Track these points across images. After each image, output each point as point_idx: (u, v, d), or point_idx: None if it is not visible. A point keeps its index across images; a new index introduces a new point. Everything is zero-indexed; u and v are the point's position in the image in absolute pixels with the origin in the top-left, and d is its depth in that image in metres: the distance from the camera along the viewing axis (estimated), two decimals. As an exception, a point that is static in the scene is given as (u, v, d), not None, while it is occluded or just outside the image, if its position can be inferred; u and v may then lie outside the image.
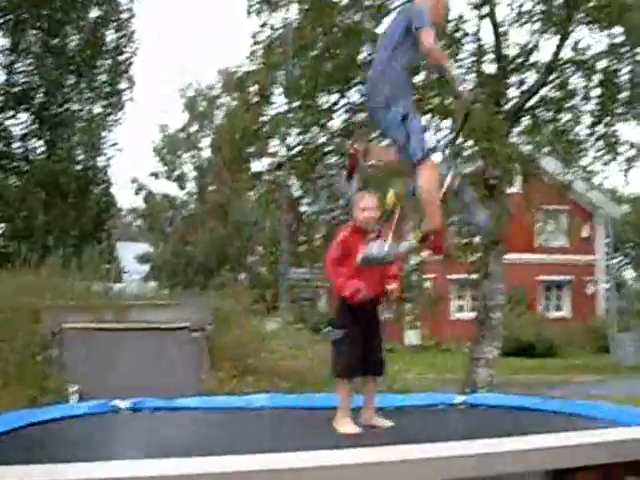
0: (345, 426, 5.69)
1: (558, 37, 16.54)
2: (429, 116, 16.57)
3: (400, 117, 5.56)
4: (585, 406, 7.36)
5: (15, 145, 24.59)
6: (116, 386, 9.65)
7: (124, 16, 24.91)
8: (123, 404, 7.11)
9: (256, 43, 17.87)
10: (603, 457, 2.54)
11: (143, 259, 42.28)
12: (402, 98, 5.66)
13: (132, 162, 70.00)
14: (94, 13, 24.48)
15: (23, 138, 24.48)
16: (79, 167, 24.75)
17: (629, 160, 17.11)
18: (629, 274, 59.16)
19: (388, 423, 5.92)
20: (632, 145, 17.06)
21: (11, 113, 24.22)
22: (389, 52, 5.71)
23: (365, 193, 6.13)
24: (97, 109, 25.24)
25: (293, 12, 17.88)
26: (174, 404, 7.44)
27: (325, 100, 17.58)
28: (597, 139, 17.08)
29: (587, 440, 2.65)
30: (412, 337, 33.41)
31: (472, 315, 20.13)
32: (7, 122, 24.23)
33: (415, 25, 5.59)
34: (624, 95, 16.80)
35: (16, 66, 24.01)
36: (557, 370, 26.74)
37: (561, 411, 6.98)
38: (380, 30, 16.75)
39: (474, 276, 17.27)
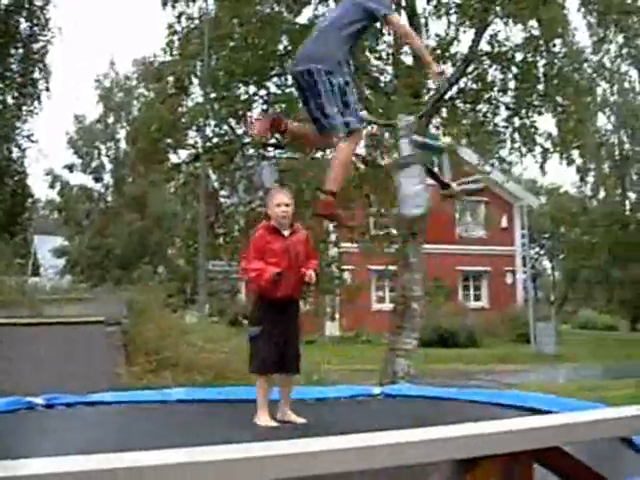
0: (262, 422, 5.74)
1: (476, 29, 16.67)
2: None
3: (343, 84, 5.62)
4: (500, 395, 7.42)
5: None
6: (28, 381, 9.47)
7: (38, 3, 24.27)
8: (38, 400, 6.95)
9: (173, 34, 17.64)
10: (510, 445, 2.51)
11: (59, 253, 41.49)
12: (346, 69, 5.78)
13: (48, 153, 68.64)
14: (5, 0, 23.79)
15: None
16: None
17: (545, 151, 17.35)
18: (545, 264, 60.29)
19: (301, 420, 5.92)
20: (549, 136, 17.30)
21: None
22: (335, 25, 5.79)
23: (279, 189, 6.20)
24: (10, 99, 24.62)
25: (210, 2, 17.72)
26: (89, 400, 7.32)
27: (243, 91, 17.44)
28: (514, 130, 17.28)
29: (493, 429, 2.62)
30: (332, 328, 33.43)
31: (392, 306, 20.21)
32: None
33: (383, 12, 5.78)
34: (540, 87, 17.01)
35: None
36: (477, 360, 27.01)
37: (476, 400, 7.03)
38: (299, 19, 16.74)
39: (393, 267, 17.33)
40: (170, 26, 17.50)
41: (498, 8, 16.20)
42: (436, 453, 2.46)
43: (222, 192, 19.41)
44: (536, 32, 16.53)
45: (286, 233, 5.86)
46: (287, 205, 5.86)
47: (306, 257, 5.95)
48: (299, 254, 5.89)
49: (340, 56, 5.75)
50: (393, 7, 6.00)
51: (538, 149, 17.34)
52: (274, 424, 5.72)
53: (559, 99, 16.95)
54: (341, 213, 5.93)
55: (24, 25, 24.16)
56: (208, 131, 17.96)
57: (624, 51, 33.31)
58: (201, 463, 2.17)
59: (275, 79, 17.30)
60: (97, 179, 43.99)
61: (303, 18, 16.83)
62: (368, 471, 2.46)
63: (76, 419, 6.71)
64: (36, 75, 24.62)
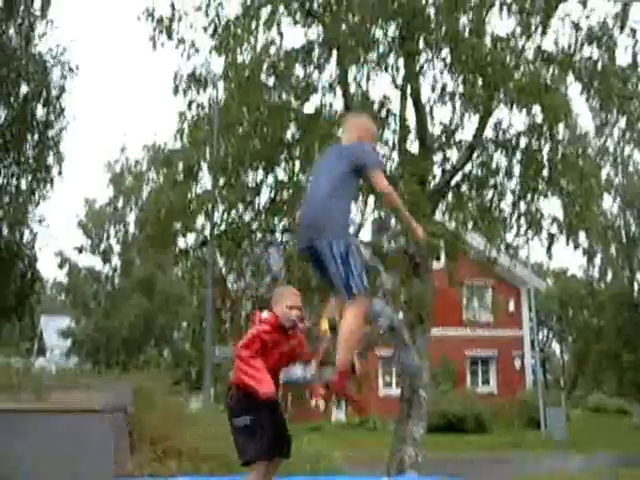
0: None
1: (480, 116, 16.86)
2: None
3: (344, 251, 5.44)
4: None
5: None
6: (32, 468, 9.41)
7: (54, 92, 24.73)
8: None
9: (183, 121, 17.87)
10: None
11: (65, 334, 41.56)
12: (346, 233, 5.64)
13: (58, 236, 69.21)
14: (24, 89, 24.29)
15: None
16: (2, 242, 24.33)
17: (551, 236, 17.36)
18: (554, 347, 59.92)
19: None
20: (554, 220, 17.33)
21: None
22: (329, 189, 5.58)
23: (288, 290, 6.21)
24: (23, 184, 24.91)
25: (220, 90, 17.99)
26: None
27: (251, 178, 17.60)
28: (520, 216, 17.33)
29: None
30: (339, 414, 33.18)
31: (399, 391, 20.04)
32: None
33: (366, 166, 5.63)
34: (545, 172, 17.10)
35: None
36: (486, 447, 26.70)
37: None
38: (307, 109, 16.97)
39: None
40: (181, 114, 17.74)
41: (502, 95, 16.39)
42: None
43: (229, 277, 19.44)
44: (539, 118, 16.70)
45: (290, 333, 5.90)
46: (299, 309, 5.94)
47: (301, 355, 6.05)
48: (297, 356, 5.97)
49: (342, 220, 5.64)
50: (382, 162, 5.84)
51: (544, 233, 17.38)
52: None
53: (564, 184, 17.03)
54: (352, 394, 5.75)
55: (40, 113, 24.59)
56: (216, 217, 18.10)
57: (627, 135, 33.66)
58: None
59: (283, 165, 17.46)
60: (105, 261, 44.30)
61: (310, 106, 17.08)
62: None
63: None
64: (50, 161, 24.93)
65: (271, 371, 5.72)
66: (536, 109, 16.63)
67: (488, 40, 16.14)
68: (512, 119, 16.96)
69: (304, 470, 9.46)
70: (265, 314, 5.98)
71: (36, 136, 24.71)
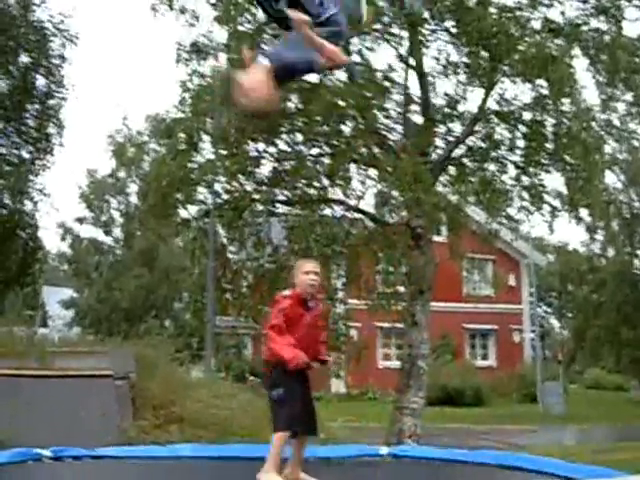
0: (271, 478, 5.64)
1: (484, 88, 16.78)
2: (354, 165, 16.72)
3: None
4: (510, 457, 7.34)
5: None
6: (36, 433, 9.46)
7: (55, 62, 24.62)
8: (45, 452, 6.90)
9: (185, 91, 17.77)
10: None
11: (67, 305, 41.69)
12: None
13: (59, 206, 69.24)
14: (24, 59, 24.16)
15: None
16: (4, 211, 24.37)
17: (553, 210, 17.33)
18: (553, 323, 60.04)
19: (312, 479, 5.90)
20: (558, 194, 17.29)
21: None
22: None
23: (305, 260, 6.27)
24: (25, 154, 24.87)
25: (222, 60, 17.88)
26: (96, 454, 7.29)
27: (253, 148, 17.53)
28: (522, 189, 17.29)
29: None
30: (338, 385, 33.29)
31: (398, 364, 20.10)
32: None
33: None
34: (549, 146, 17.04)
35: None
36: (484, 420, 26.81)
37: (486, 463, 6.95)
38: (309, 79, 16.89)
39: (400, 325, 17.29)
40: (183, 83, 17.63)
41: (506, 67, 16.31)
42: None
43: (230, 248, 19.43)
44: (544, 91, 16.61)
45: (310, 305, 5.91)
46: (316, 274, 5.94)
47: (320, 328, 6.08)
48: (318, 327, 6.02)
49: None
50: None
51: (546, 207, 17.34)
52: None
53: (567, 158, 16.96)
54: None
55: (41, 82, 24.48)
56: (217, 187, 18.04)
57: (633, 110, 33.49)
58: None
59: (284, 136, 17.38)
60: (107, 232, 44.32)
61: (313, 76, 16.96)
62: None
63: (82, 472, 6.69)
64: (50, 130, 24.84)
65: (301, 343, 5.75)
66: (541, 82, 16.56)
67: (494, 10, 16.04)
68: (516, 91, 16.90)
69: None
70: (285, 292, 6.02)
71: (37, 106, 24.60)
